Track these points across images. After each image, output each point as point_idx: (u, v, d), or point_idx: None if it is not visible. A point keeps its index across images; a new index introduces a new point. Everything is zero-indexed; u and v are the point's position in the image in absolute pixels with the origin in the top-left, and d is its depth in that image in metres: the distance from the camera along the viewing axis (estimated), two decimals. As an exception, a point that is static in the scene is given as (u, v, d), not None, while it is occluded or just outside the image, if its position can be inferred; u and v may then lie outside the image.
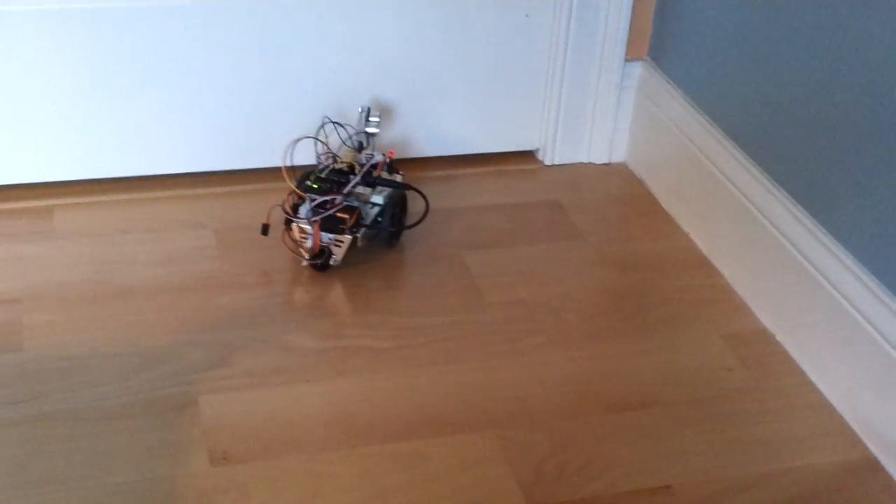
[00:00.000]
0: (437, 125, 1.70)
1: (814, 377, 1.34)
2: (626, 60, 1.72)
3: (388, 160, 1.51)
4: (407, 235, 1.55)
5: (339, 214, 1.42)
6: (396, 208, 1.50)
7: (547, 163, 1.78)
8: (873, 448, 1.24)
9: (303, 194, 1.43)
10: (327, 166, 1.48)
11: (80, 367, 1.28)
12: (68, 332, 1.33)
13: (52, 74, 1.52)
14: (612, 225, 1.64)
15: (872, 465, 1.23)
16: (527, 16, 1.67)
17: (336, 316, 1.40)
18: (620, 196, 1.72)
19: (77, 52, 1.51)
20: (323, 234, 1.43)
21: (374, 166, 1.50)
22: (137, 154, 1.60)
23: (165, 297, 1.40)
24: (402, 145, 1.69)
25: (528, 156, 1.79)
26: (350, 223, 1.42)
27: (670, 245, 1.59)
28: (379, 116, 1.53)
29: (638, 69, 1.73)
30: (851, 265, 1.27)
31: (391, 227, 1.48)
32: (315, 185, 1.44)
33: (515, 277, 1.50)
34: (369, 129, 1.52)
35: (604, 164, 1.78)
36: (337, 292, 1.44)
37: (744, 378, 1.34)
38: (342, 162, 1.50)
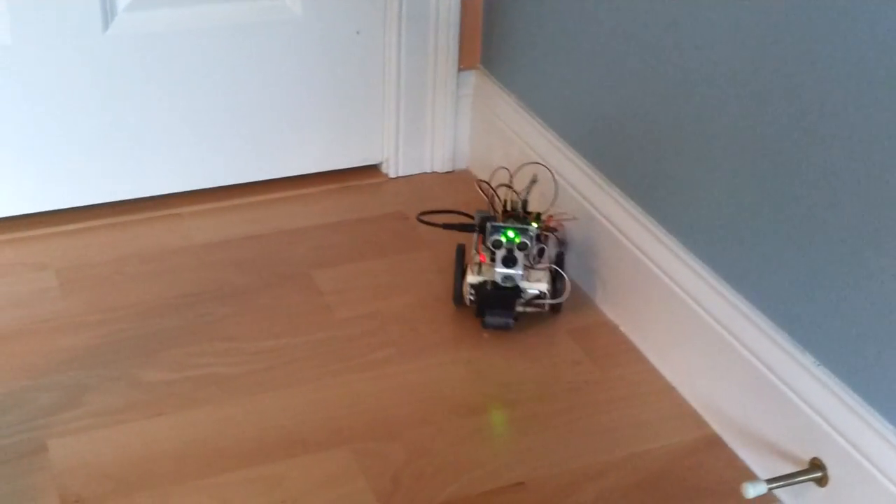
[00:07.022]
0: (279, 147, 1.71)
1: (657, 364, 1.38)
2: (460, 70, 1.75)
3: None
4: (253, 261, 1.55)
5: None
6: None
7: (392, 175, 1.79)
8: (715, 426, 1.29)
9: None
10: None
11: (-78, 422, 1.25)
12: None
13: None
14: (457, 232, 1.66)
15: (716, 442, 1.28)
16: (358, 33, 1.68)
17: (186, 346, 1.39)
18: (465, 203, 1.73)
19: None
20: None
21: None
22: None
23: (8, 344, 1.38)
24: (250, 168, 1.70)
25: (372, 170, 1.80)
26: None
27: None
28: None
29: (472, 78, 1.76)
30: (682, 254, 1.32)
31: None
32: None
33: (365, 292, 1.52)
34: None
35: (447, 173, 1.81)
36: (184, 322, 1.43)
37: (591, 370, 1.38)
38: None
